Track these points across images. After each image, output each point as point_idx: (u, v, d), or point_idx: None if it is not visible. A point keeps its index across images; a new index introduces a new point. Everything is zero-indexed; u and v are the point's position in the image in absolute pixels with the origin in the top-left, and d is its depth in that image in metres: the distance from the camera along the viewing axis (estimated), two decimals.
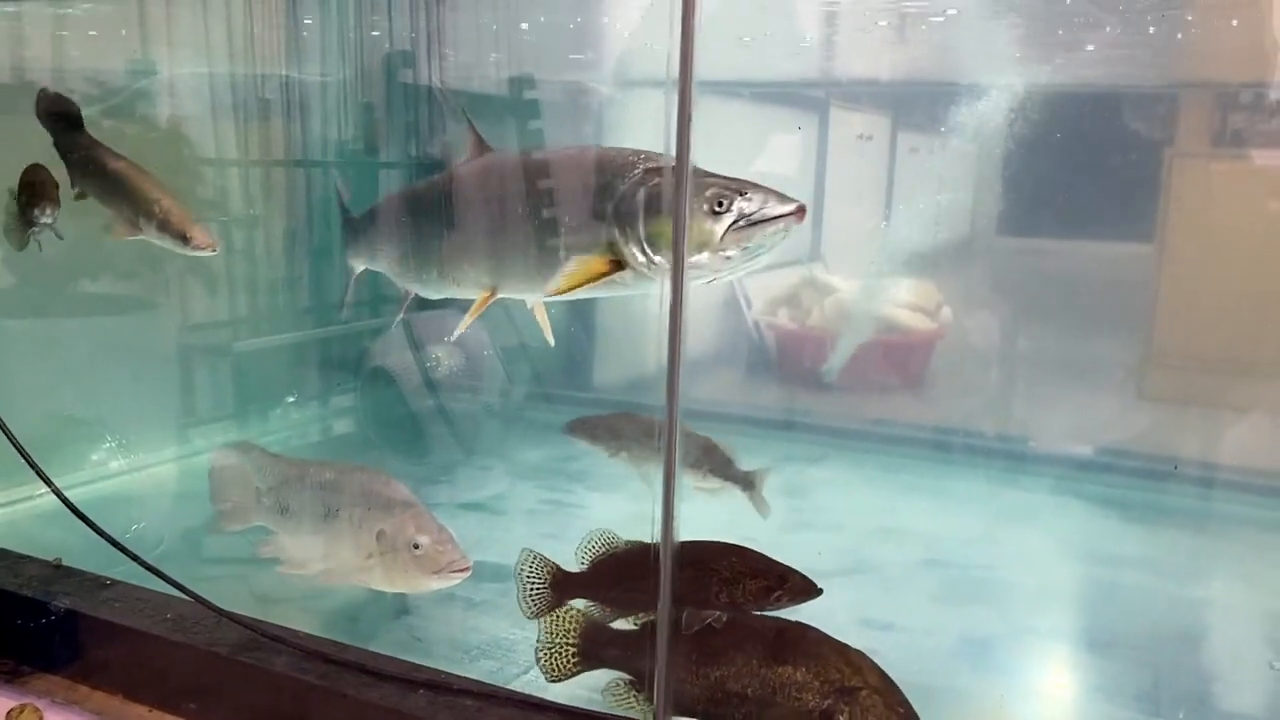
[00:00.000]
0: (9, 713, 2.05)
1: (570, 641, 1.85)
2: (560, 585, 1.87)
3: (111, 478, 3.01)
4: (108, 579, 2.37)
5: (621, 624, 1.87)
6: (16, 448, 2.21)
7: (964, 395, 3.96)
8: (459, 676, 1.98)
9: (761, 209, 1.61)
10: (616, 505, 3.01)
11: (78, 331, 3.00)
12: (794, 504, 3.16)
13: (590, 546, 1.87)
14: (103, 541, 2.19)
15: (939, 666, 2.25)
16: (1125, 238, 3.78)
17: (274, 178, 3.49)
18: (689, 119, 1.45)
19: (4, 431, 2.23)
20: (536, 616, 1.86)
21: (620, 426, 2.48)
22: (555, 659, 1.85)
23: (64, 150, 2.56)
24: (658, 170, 1.68)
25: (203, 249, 2.39)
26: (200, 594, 2.16)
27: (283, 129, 3.46)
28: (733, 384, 4.24)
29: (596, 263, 1.73)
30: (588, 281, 1.74)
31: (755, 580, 1.74)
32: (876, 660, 1.67)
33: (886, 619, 2.44)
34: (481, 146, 2.03)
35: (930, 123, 4.17)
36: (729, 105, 4.13)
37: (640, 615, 1.84)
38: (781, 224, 1.61)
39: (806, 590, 1.75)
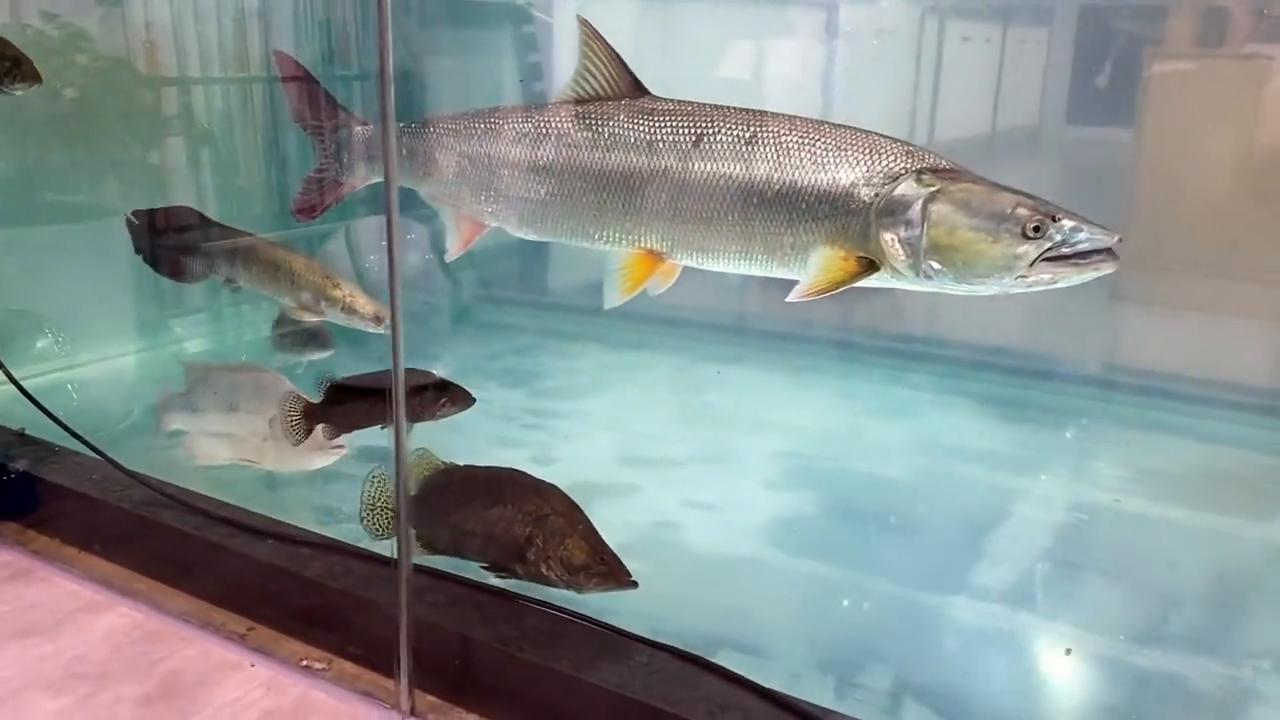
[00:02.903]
0: None
1: (389, 505, 2.21)
2: (309, 414, 2.30)
3: (80, 366, 3.49)
4: (57, 447, 2.84)
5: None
6: None
7: (902, 297, 4.14)
8: (306, 530, 2.41)
9: (1080, 240, 1.47)
10: (509, 396, 3.40)
11: (45, 237, 3.44)
12: (690, 400, 3.45)
13: (326, 386, 2.30)
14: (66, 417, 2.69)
15: (736, 540, 2.56)
16: (1107, 140, 3.79)
17: (230, 91, 3.85)
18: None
19: None
20: (298, 442, 2.30)
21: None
22: (376, 519, 2.22)
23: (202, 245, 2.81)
24: (939, 172, 1.56)
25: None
26: (117, 460, 2.63)
27: (239, 42, 3.79)
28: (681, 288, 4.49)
29: (848, 261, 1.61)
30: (842, 284, 1.62)
31: (427, 392, 2.21)
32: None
33: (711, 501, 2.75)
34: (639, 87, 1.85)
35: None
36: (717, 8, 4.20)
37: None
38: (1100, 262, 1.48)
39: (465, 399, 2.25)
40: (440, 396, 2.24)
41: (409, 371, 2.27)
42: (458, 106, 5.26)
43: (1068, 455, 3.15)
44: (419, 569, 2.13)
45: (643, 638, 1.99)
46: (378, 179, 2.21)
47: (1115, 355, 3.73)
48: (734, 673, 1.88)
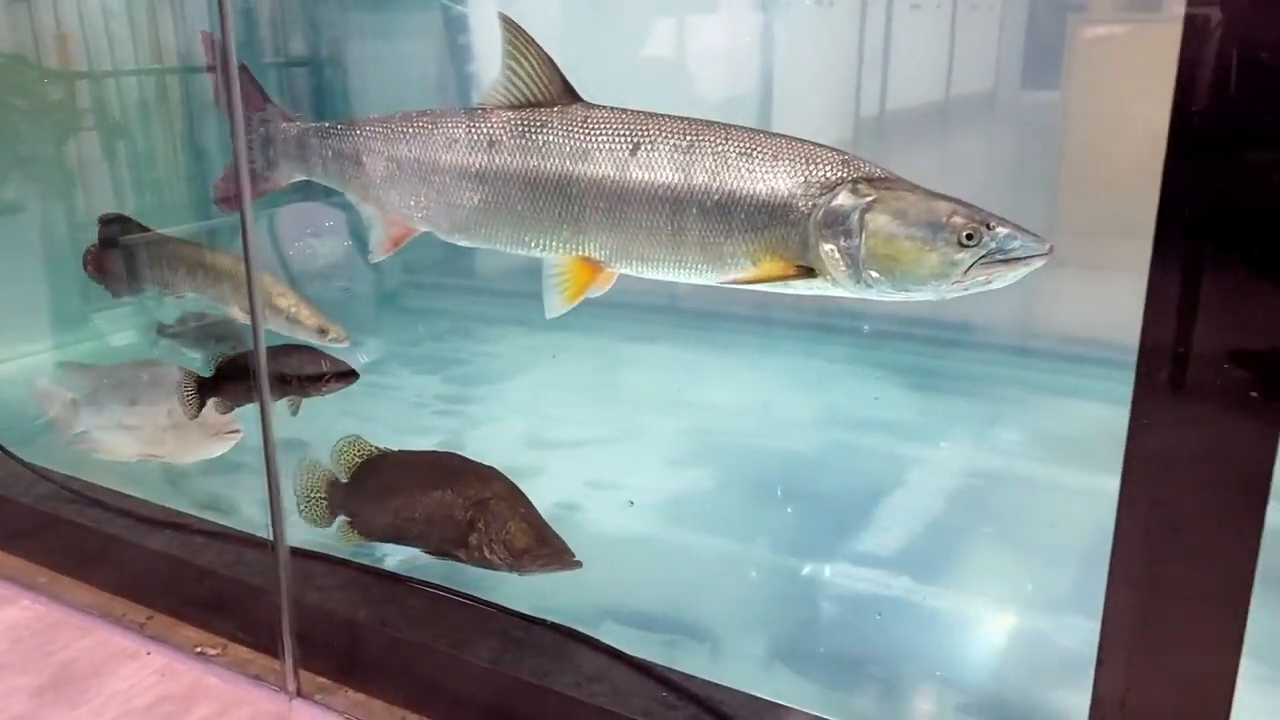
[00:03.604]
0: None
1: (321, 496, 2.25)
2: (203, 388, 2.34)
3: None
4: None
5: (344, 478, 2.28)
6: None
7: None
8: (202, 519, 2.45)
9: (1013, 246, 1.50)
10: (424, 382, 3.43)
11: None
12: (605, 380, 3.49)
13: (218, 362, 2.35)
14: None
15: (632, 518, 2.61)
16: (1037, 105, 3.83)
17: (145, 84, 3.84)
18: None
19: None
20: (193, 417, 2.34)
21: None
22: (313, 510, 2.23)
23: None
24: (874, 181, 1.58)
25: (340, 343, 2.55)
26: (22, 456, 2.67)
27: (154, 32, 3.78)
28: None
29: (788, 270, 1.62)
30: (770, 280, 1.65)
31: (313, 367, 2.29)
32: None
33: (613, 480, 2.80)
34: (571, 93, 1.82)
35: None
36: None
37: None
38: (1032, 265, 1.51)
39: (347, 375, 2.33)
40: (324, 373, 2.30)
41: (295, 349, 2.35)
42: (385, 92, 5.24)
43: (972, 422, 3.21)
44: (304, 553, 2.17)
45: (520, 613, 2.04)
46: (302, 177, 2.20)
47: (1030, 321, 3.79)
48: (604, 644, 1.94)
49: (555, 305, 1.81)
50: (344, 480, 2.18)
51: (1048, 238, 1.51)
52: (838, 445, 3.07)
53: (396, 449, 2.18)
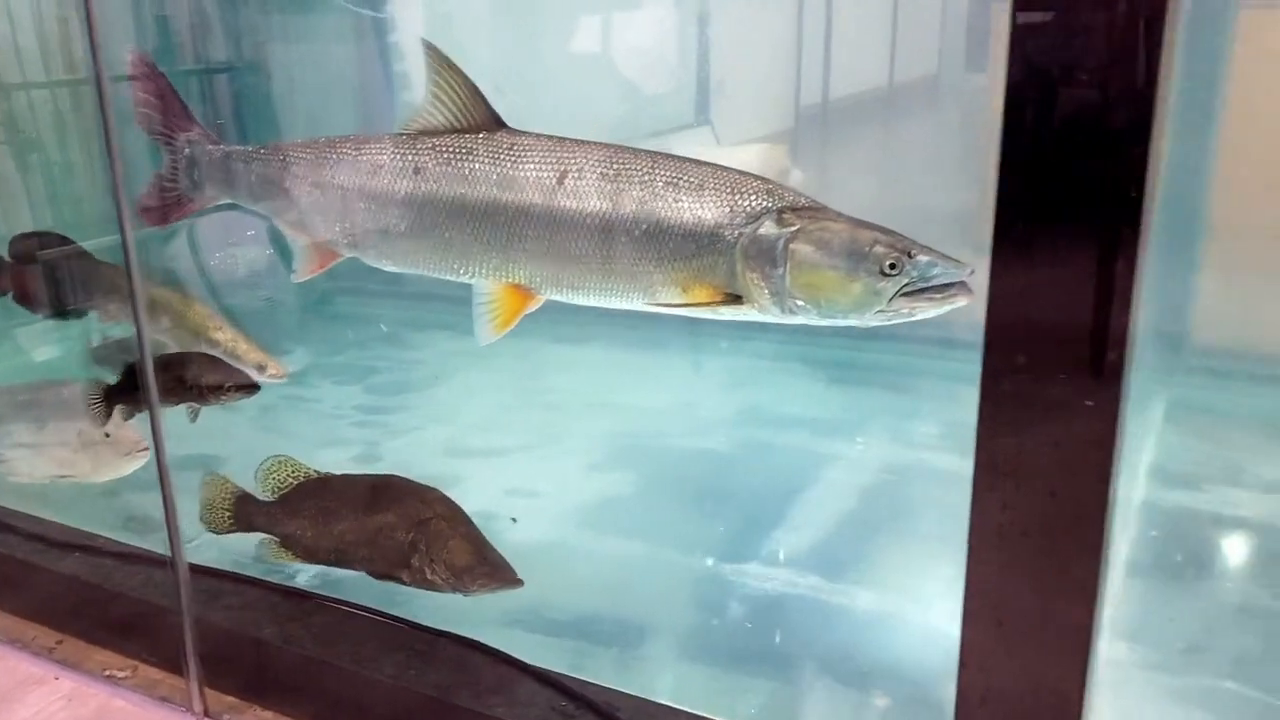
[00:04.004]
0: None
1: (226, 508, 2.24)
2: (109, 395, 2.35)
3: None
4: None
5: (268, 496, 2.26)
6: None
7: None
8: (113, 541, 2.44)
9: (935, 275, 1.53)
10: (343, 393, 3.44)
11: None
12: (529, 385, 3.49)
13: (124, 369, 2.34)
14: None
15: (549, 526, 2.63)
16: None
17: (60, 96, 3.79)
18: None
19: None
20: (102, 424, 2.37)
21: None
22: (213, 516, 2.21)
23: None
24: (798, 210, 1.59)
25: (279, 378, 2.49)
26: None
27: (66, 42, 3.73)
28: None
29: (716, 297, 1.65)
30: (699, 307, 1.67)
31: (214, 375, 2.29)
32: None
33: (533, 488, 2.81)
34: (497, 120, 1.82)
35: None
36: None
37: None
38: (954, 295, 1.54)
39: (249, 386, 2.32)
40: (224, 381, 2.29)
41: (196, 356, 2.35)
42: (311, 96, 5.17)
43: (889, 416, 3.26)
44: (205, 570, 2.18)
45: (425, 627, 2.06)
46: (227, 200, 2.19)
47: (953, 311, 3.82)
48: (506, 655, 1.96)
49: (486, 333, 1.83)
50: (265, 498, 2.17)
51: (968, 263, 1.53)
52: (757, 444, 3.11)
53: (338, 473, 2.17)
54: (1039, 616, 1.32)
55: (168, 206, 2.25)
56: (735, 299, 1.64)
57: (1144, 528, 2.64)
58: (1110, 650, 2.10)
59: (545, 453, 3.06)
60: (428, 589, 1.96)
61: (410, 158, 1.85)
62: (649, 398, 3.44)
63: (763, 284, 1.61)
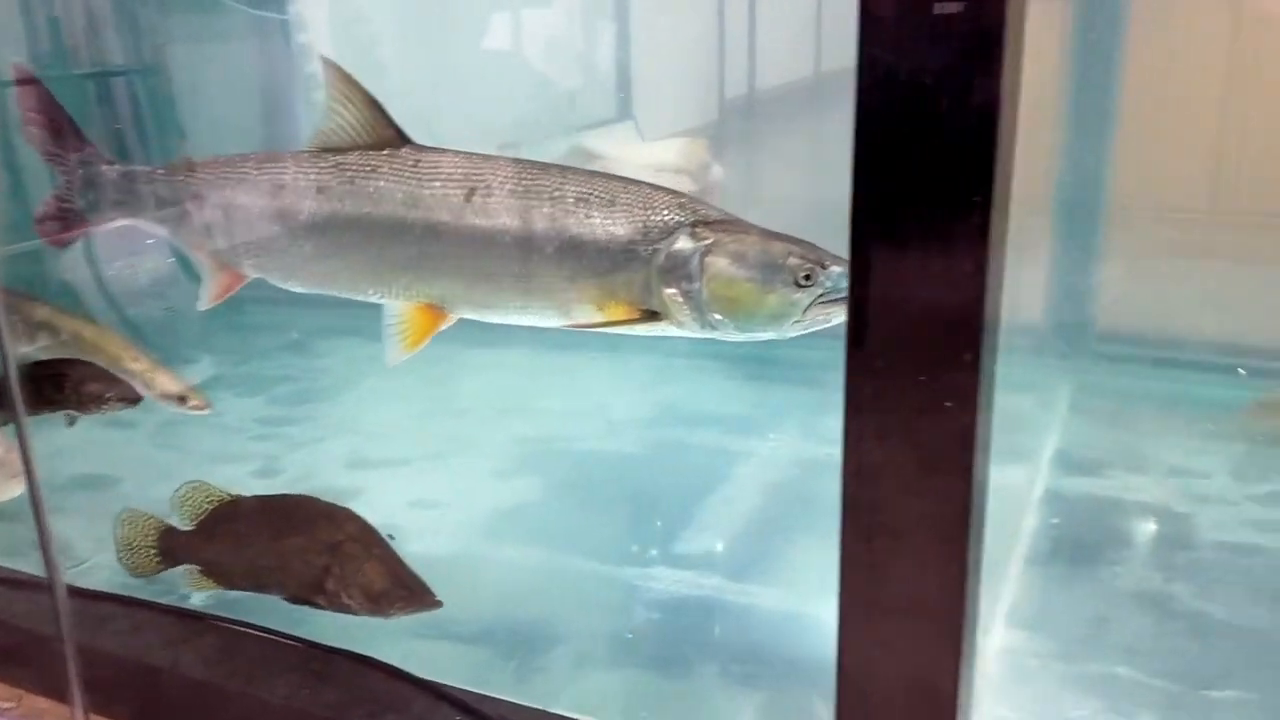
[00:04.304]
0: None
1: (151, 545, 2.16)
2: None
3: None
4: None
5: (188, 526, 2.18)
6: None
7: None
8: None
9: (847, 284, 1.48)
10: (244, 405, 3.36)
11: None
12: (438, 392, 3.42)
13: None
14: None
15: (453, 536, 2.60)
16: None
17: None
18: None
19: None
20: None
21: None
22: (138, 559, 2.15)
23: None
24: (711, 224, 1.60)
25: (202, 410, 2.45)
26: None
27: None
28: None
29: (632, 313, 1.65)
30: (617, 325, 1.68)
31: (95, 385, 2.22)
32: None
33: (436, 498, 2.77)
34: (401, 136, 1.79)
35: None
36: None
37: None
38: None
39: (134, 399, 2.27)
40: (104, 391, 2.22)
41: (77, 363, 2.28)
42: (215, 99, 5.05)
43: (802, 411, 3.27)
44: (89, 594, 2.11)
45: (319, 644, 2.01)
46: (127, 221, 2.13)
47: None
48: (400, 670, 1.93)
49: (396, 353, 1.80)
50: (186, 528, 2.10)
51: None
52: (670, 444, 3.10)
53: (250, 495, 2.11)
54: (910, 615, 1.33)
55: (66, 225, 2.22)
56: (653, 315, 1.64)
57: (1045, 516, 2.68)
58: (1006, 640, 2.13)
59: (451, 461, 3.02)
60: (345, 613, 1.92)
61: (313, 176, 1.81)
62: (563, 400, 3.41)
63: (680, 299, 1.60)
